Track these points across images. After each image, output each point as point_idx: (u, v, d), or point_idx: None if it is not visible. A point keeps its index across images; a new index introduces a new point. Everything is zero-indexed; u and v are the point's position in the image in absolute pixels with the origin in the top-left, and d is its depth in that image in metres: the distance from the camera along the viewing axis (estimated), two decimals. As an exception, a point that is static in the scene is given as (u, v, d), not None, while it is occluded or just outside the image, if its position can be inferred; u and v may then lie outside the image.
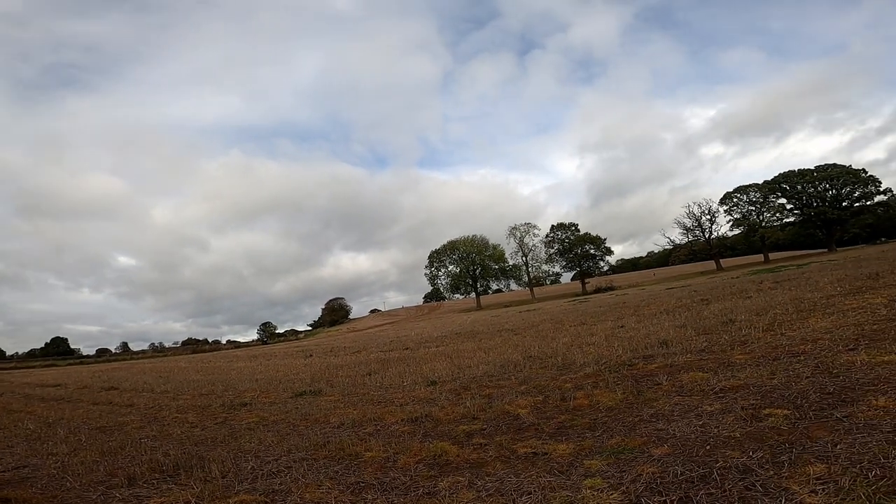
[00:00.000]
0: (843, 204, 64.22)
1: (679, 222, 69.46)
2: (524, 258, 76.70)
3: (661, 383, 5.78)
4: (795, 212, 67.51)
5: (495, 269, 77.68)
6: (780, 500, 2.69)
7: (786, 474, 2.97)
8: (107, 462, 5.23)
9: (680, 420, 4.40)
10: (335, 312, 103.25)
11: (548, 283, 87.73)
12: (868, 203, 64.50)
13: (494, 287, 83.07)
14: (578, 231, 74.84)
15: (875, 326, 6.72)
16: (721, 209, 68.47)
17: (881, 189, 63.71)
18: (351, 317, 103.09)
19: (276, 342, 71.81)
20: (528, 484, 3.49)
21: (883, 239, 65.60)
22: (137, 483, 4.46)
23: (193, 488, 4.10)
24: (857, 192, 63.97)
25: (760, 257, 64.96)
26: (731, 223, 69.04)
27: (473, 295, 78.37)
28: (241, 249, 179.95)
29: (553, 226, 76.08)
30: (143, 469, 4.80)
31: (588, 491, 3.20)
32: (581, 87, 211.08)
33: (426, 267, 79.98)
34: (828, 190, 64.70)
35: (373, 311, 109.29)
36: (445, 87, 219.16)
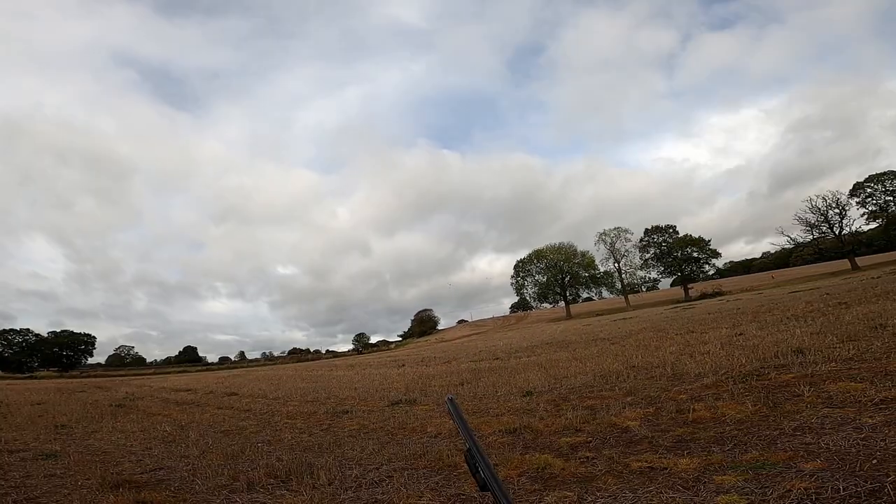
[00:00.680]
0: None
1: (801, 218, 61.03)
2: (616, 264, 72.61)
3: (801, 394, 4.98)
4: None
5: (585, 276, 74.42)
6: None
7: None
8: (230, 466, 5.65)
9: (833, 433, 3.72)
10: (424, 323, 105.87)
11: (643, 290, 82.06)
12: None
13: (584, 295, 79.61)
14: (677, 233, 69.25)
15: None
16: (852, 201, 59.12)
17: None
18: (439, 328, 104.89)
19: (369, 352, 75.07)
20: (646, 500, 3.12)
21: None
22: (255, 488, 4.72)
23: (303, 495, 4.25)
24: None
25: (907, 252, 54.97)
26: (865, 216, 59.30)
27: (562, 304, 75.61)
28: (396, 253, 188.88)
29: (647, 229, 71.23)
30: (261, 474, 5.10)
31: (725, 512, 2.77)
32: (809, 63, 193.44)
33: (512, 277, 78.99)
34: None
35: (460, 322, 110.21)
36: (668, 62, 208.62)
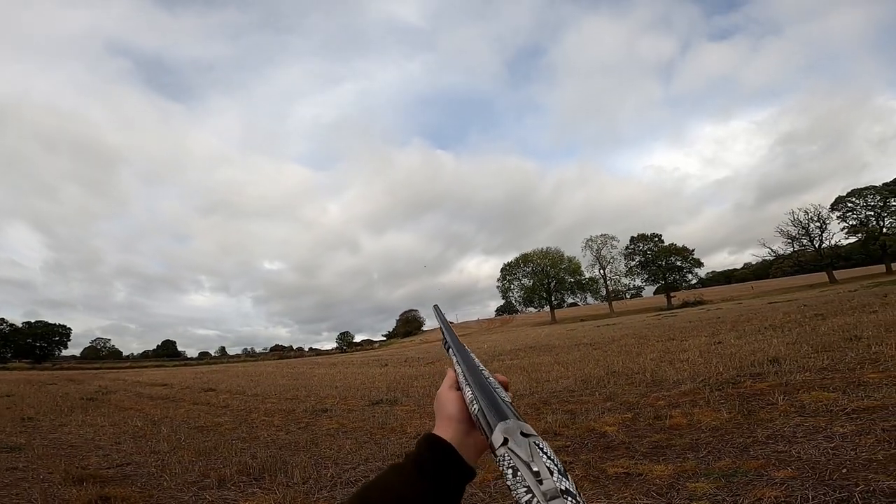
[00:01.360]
0: None
1: (782, 230, 62.35)
2: (602, 271, 73.23)
3: (775, 403, 5.04)
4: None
5: (571, 282, 74.97)
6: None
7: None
8: (201, 462, 5.53)
9: (805, 442, 3.76)
10: (409, 324, 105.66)
11: (627, 297, 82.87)
12: None
13: (570, 301, 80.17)
14: (662, 242, 70.14)
15: None
16: (833, 215, 60.51)
17: None
18: (424, 328, 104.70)
19: (353, 351, 74.62)
20: (621, 507, 3.11)
21: None
22: (227, 485, 4.62)
23: (276, 493, 4.17)
24: None
25: (881, 268, 56.31)
26: (845, 230, 60.75)
27: (547, 308, 76.02)
28: (385, 251, 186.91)
29: (633, 237, 72.03)
30: (233, 471, 4.99)
31: (696, 519, 2.77)
32: (801, 75, 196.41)
33: (499, 280, 79.18)
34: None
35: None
36: (667, 70, 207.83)
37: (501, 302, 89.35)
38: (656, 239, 70.77)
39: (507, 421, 0.51)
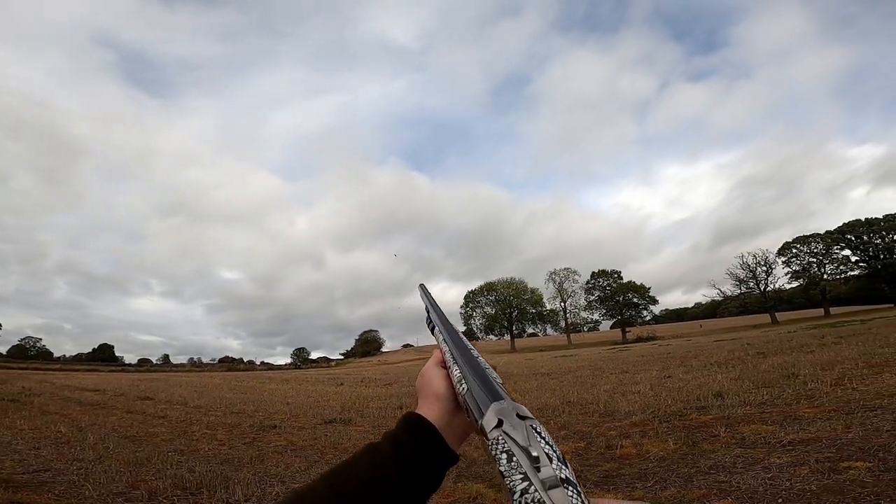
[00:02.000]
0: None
1: (731, 273, 65.96)
2: (563, 303, 74.73)
3: (718, 435, 5.23)
4: (861, 264, 62.74)
5: (532, 312, 75.97)
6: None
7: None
8: (130, 473, 5.16)
9: (744, 472, 3.91)
10: (368, 344, 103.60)
11: (585, 329, 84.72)
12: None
13: (530, 331, 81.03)
14: (621, 278, 72.55)
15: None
16: (779, 260, 64.61)
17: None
18: (383, 350, 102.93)
19: (308, 368, 72.26)
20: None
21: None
22: (158, 498, 4.33)
23: (214, 508, 3.93)
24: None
25: (820, 311, 60.28)
26: (789, 275, 64.84)
27: (508, 337, 76.53)
28: (350, 270, 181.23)
29: (594, 272, 74.24)
30: (167, 484, 4.68)
31: (640, 545, 2.79)
32: (767, 120, 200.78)
33: (462, 306, 79.35)
34: (897, 241, 59.96)
35: (405, 346, 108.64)
36: (642, 109, 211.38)
37: (463, 328, 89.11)
38: (616, 275, 73.20)
39: (502, 401, 0.46)
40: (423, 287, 0.84)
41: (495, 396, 0.47)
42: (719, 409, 6.62)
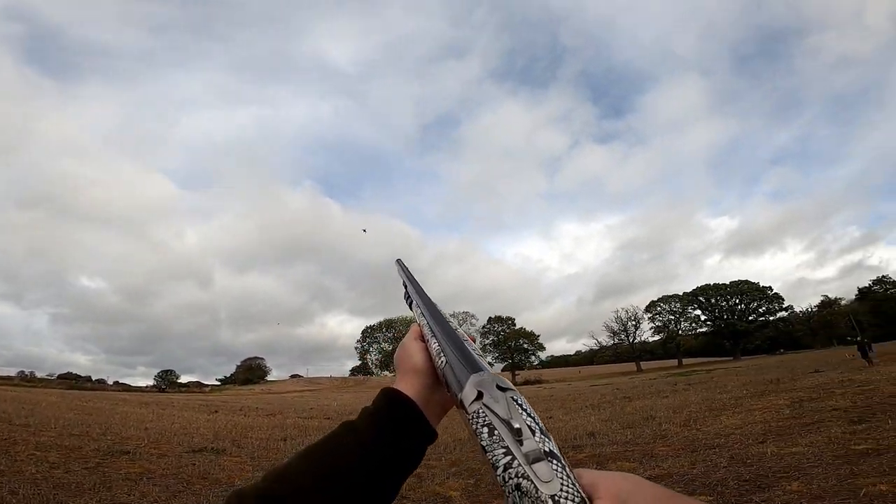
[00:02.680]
0: (750, 318, 71.38)
1: (607, 326, 73.55)
2: (458, 345, 75.97)
3: (589, 470, 5.73)
4: (708, 322, 73.80)
5: (428, 352, 76.07)
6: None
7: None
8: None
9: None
10: (251, 371, 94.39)
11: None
12: (771, 318, 72.33)
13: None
14: (514, 325, 76.38)
15: (780, 423, 7.26)
16: (646, 316, 73.57)
17: (783, 306, 72.47)
18: (269, 378, 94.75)
19: (175, 392, 63.63)
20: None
21: (781, 350, 72.08)
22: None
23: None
24: (763, 308, 71.76)
25: (675, 362, 69.23)
26: (653, 329, 74.00)
27: (403, 376, 75.40)
28: (242, 292, 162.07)
29: (490, 318, 77.41)
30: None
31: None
32: (654, 186, 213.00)
33: (358, 341, 77.13)
34: (738, 304, 71.99)
35: (293, 376, 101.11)
36: (553, 165, 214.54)
37: (358, 363, 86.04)
38: (510, 322, 77.12)
39: (482, 373, 0.44)
40: (400, 262, 0.83)
41: (474, 368, 0.46)
42: (592, 448, 7.26)
